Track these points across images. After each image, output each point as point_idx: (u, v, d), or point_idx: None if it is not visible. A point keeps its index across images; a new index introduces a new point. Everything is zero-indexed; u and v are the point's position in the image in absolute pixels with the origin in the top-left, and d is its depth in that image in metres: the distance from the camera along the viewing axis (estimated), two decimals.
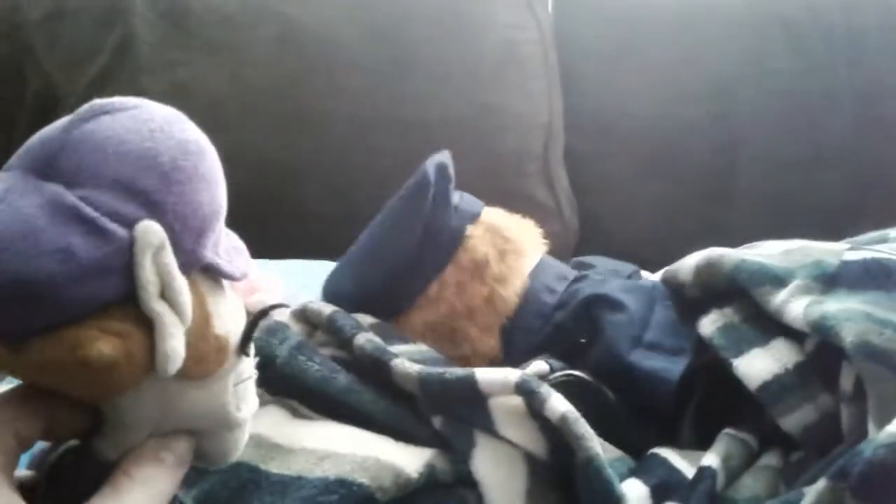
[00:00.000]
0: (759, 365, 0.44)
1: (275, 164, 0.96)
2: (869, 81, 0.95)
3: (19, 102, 1.01)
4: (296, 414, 0.44)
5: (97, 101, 0.28)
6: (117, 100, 0.29)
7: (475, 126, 0.96)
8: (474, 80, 0.96)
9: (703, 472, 0.42)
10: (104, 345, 0.26)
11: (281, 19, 0.97)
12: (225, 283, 0.30)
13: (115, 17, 0.97)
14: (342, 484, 0.38)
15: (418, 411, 0.44)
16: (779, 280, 0.46)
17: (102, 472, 0.28)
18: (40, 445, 0.35)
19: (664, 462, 0.44)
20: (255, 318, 0.31)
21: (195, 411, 0.29)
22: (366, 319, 0.51)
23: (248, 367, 0.31)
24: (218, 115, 0.96)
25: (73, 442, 0.31)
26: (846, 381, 0.41)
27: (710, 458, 0.43)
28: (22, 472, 0.32)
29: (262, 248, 0.77)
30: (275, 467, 0.40)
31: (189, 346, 0.27)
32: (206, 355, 0.28)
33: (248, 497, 0.39)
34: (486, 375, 0.42)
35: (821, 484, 0.35)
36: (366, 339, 0.46)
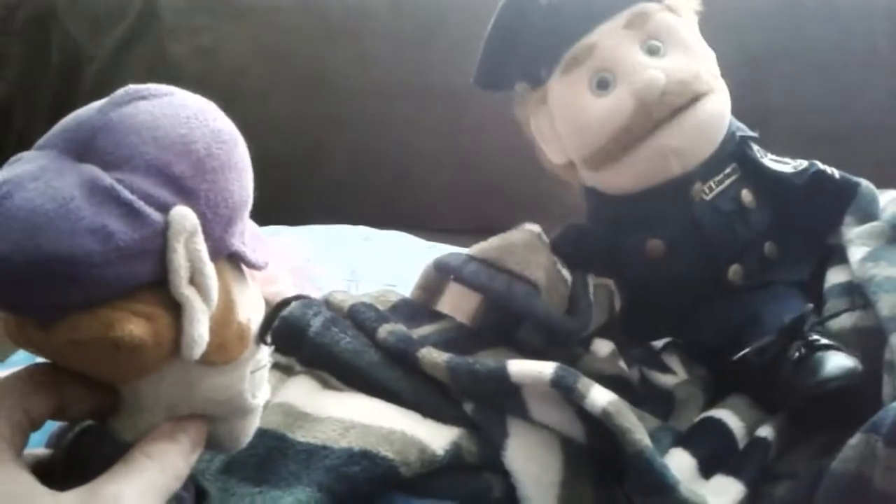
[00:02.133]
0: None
1: (299, 131, 0.96)
2: None
3: (44, 66, 1.01)
4: (326, 385, 0.44)
5: (132, 87, 0.29)
6: (153, 86, 0.29)
7: (502, 95, 0.94)
8: None
9: (756, 442, 0.42)
10: (135, 326, 0.26)
11: None
12: (246, 271, 0.31)
13: None
14: (366, 455, 0.38)
15: (448, 393, 0.43)
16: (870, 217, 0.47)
17: (118, 453, 0.28)
18: (58, 424, 0.35)
19: (719, 426, 0.43)
20: (277, 307, 0.31)
21: (213, 397, 0.30)
22: (389, 299, 0.50)
23: (265, 355, 0.32)
24: (241, 80, 0.95)
25: (89, 422, 0.31)
26: (889, 351, 0.40)
27: (766, 430, 0.43)
28: (39, 450, 0.32)
29: (285, 213, 0.77)
30: (301, 436, 0.40)
31: (213, 331, 0.27)
32: (228, 341, 0.29)
33: (273, 464, 0.38)
34: (518, 368, 0.41)
35: (854, 439, 0.36)
36: (388, 331, 0.45)
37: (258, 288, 0.32)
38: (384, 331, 0.45)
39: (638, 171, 0.47)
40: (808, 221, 0.49)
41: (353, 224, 0.75)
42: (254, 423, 0.33)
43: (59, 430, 0.36)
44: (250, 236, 0.30)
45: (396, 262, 0.66)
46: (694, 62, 0.47)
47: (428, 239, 0.74)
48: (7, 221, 0.25)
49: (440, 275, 0.50)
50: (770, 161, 0.49)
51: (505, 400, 0.41)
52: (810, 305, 0.44)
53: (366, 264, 0.65)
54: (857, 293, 0.44)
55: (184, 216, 0.26)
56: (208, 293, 0.27)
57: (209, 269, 0.27)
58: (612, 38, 0.46)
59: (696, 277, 0.48)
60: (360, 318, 0.46)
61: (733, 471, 0.41)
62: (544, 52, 0.48)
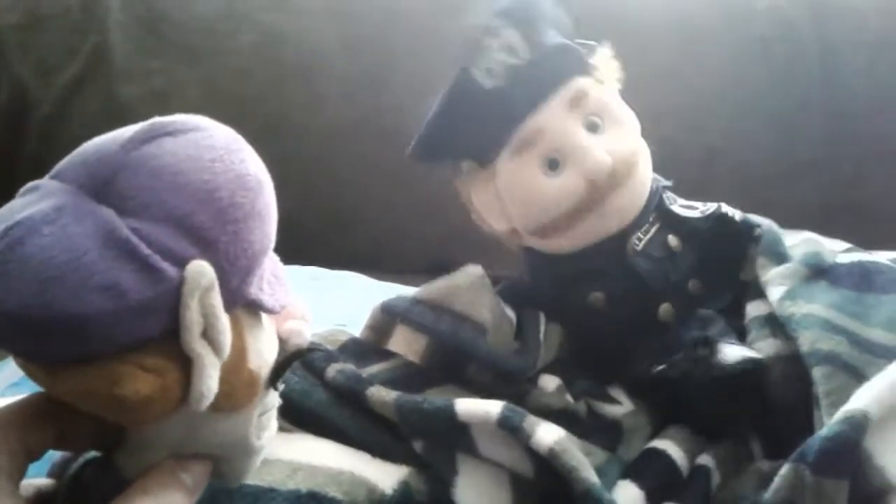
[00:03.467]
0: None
1: None
2: (840, 97, 0.96)
3: None
4: None
5: (158, 120, 0.27)
6: (179, 119, 0.28)
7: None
8: None
9: (699, 470, 0.44)
10: (141, 384, 0.25)
11: (259, 28, 0.97)
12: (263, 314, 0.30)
13: (89, 24, 0.96)
14: (314, 497, 0.38)
15: (397, 431, 0.43)
16: (781, 258, 0.51)
17: (119, 488, 0.28)
18: (61, 454, 0.35)
19: (662, 457, 0.45)
20: (290, 357, 0.31)
21: (218, 440, 0.29)
22: (338, 338, 0.51)
23: (273, 398, 0.31)
24: None
25: (93, 452, 0.30)
26: (815, 386, 0.42)
27: (706, 458, 0.44)
28: (40, 480, 0.31)
29: None
30: (248, 478, 0.39)
31: (222, 381, 0.27)
32: (237, 389, 0.28)
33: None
34: (465, 407, 0.41)
35: (784, 469, 0.37)
36: (336, 370, 0.45)
37: (273, 328, 0.31)
38: (333, 370, 0.45)
39: (581, 234, 0.50)
40: (721, 260, 0.53)
41: (305, 264, 0.74)
42: (257, 461, 0.32)
43: (61, 459, 0.35)
44: (270, 277, 0.30)
45: (347, 301, 0.66)
46: (628, 134, 0.50)
47: (380, 279, 0.74)
48: (18, 271, 0.24)
49: (387, 317, 0.50)
50: (679, 207, 0.53)
51: (454, 437, 0.42)
52: (710, 312, 0.48)
53: (316, 304, 0.64)
54: (778, 326, 0.47)
55: (200, 272, 0.25)
56: (221, 347, 0.26)
57: (222, 323, 0.26)
58: (558, 121, 0.49)
59: (632, 321, 0.51)
60: (308, 357, 0.46)
61: (679, 499, 0.42)
62: (492, 133, 0.50)
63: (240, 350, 0.28)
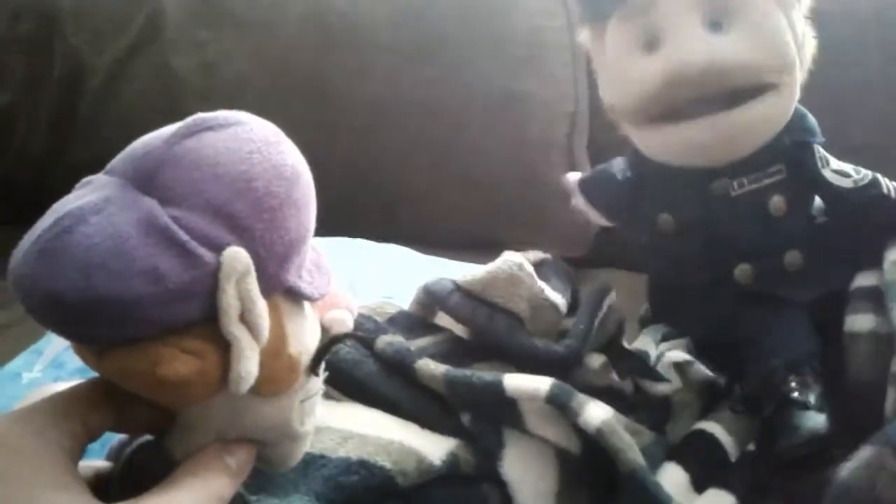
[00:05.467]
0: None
1: (299, 143, 0.95)
2: None
3: (46, 76, 1.02)
4: (324, 395, 0.44)
5: (201, 116, 0.29)
6: (221, 114, 0.29)
7: (499, 112, 0.95)
8: (500, 65, 0.95)
9: (747, 456, 0.43)
10: (181, 365, 0.26)
11: None
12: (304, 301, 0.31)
13: None
14: (364, 465, 0.38)
15: (445, 404, 0.43)
16: None
17: (169, 470, 0.29)
18: (119, 437, 0.37)
19: (710, 440, 0.44)
20: (328, 343, 0.31)
21: (261, 424, 0.30)
22: (386, 311, 0.51)
23: (316, 384, 0.32)
24: (243, 93, 0.96)
25: (148, 436, 0.32)
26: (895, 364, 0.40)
27: (755, 445, 0.44)
28: (100, 462, 0.33)
29: None
30: None
31: (262, 365, 0.28)
32: (278, 374, 0.29)
33: (270, 473, 0.39)
34: (514, 382, 0.42)
35: (865, 451, 0.36)
36: (386, 342, 0.46)
37: (316, 316, 0.32)
38: (382, 342, 0.46)
39: (659, 147, 0.46)
40: (853, 240, 0.47)
41: (351, 237, 0.75)
42: (303, 447, 0.33)
43: (118, 443, 0.37)
44: (310, 266, 0.30)
45: (394, 274, 0.66)
46: (754, 49, 0.43)
47: (425, 254, 0.74)
48: (65, 257, 0.25)
49: (431, 298, 0.51)
50: (830, 172, 0.47)
51: (501, 412, 0.42)
52: (777, 361, 0.44)
53: (364, 276, 0.65)
54: (880, 299, 0.43)
55: (235, 258, 0.26)
56: (259, 331, 0.27)
57: (260, 307, 0.27)
58: (675, 0, 0.44)
59: (699, 265, 0.48)
60: (358, 328, 0.47)
61: (725, 484, 0.42)
62: None
63: (279, 335, 0.29)
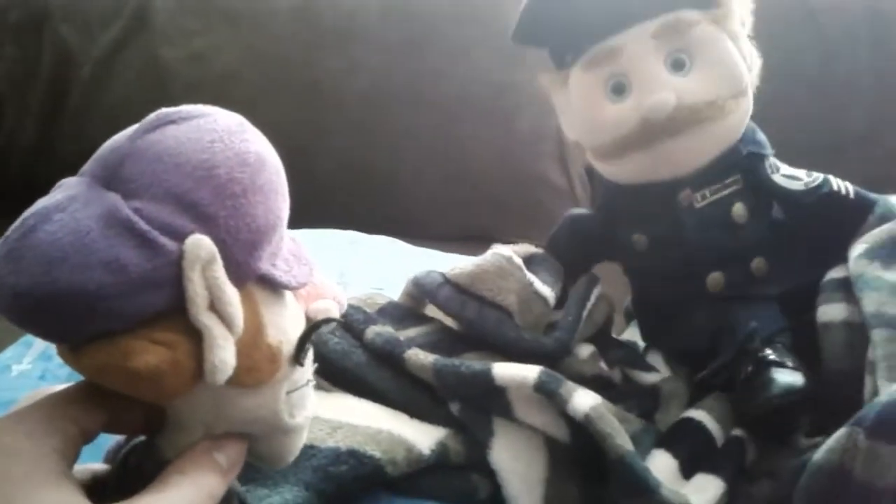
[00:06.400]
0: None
1: (289, 136, 0.95)
2: (891, 71, 0.94)
3: (36, 67, 1.01)
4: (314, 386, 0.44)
5: (164, 110, 0.29)
6: (185, 108, 0.29)
7: (491, 105, 0.95)
8: (491, 58, 0.95)
9: (733, 441, 0.43)
10: (152, 356, 0.26)
11: None
12: (286, 291, 0.31)
13: None
14: (353, 455, 0.39)
15: (434, 393, 0.44)
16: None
17: (158, 470, 0.29)
18: (115, 439, 0.36)
19: (697, 427, 0.44)
20: (308, 330, 0.31)
21: (247, 417, 0.30)
22: (376, 301, 0.51)
23: (303, 375, 0.32)
24: (232, 86, 0.96)
25: (142, 437, 0.31)
26: (871, 349, 0.41)
27: (741, 430, 0.44)
28: (97, 465, 0.33)
29: None
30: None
31: (240, 355, 0.28)
32: (258, 364, 0.29)
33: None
34: (503, 371, 0.42)
35: (838, 432, 0.36)
36: (375, 332, 0.46)
37: (301, 306, 0.32)
38: (372, 332, 0.46)
39: (630, 169, 0.48)
40: (814, 240, 0.49)
41: (342, 228, 0.75)
42: (297, 441, 0.32)
43: (115, 445, 0.37)
44: (287, 255, 0.30)
45: (384, 266, 0.66)
46: (717, 83, 0.46)
47: (415, 245, 0.74)
48: (29, 254, 0.25)
49: (420, 291, 0.51)
50: (781, 177, 0.49)
51: (490, 400, 0.42)
52: (754, 324, 0.45)
53: (354, 268, 0.65)
54: (850, 290, 0.45)
55: (198, 245, 0.26)
56: (231, 319, 0.27)
57: (229, 295, 0.27)
58: (638, 45, 0.46)
59: (674, 278, 0.49)
60: (348, 319, 0.47)
61: (713, 469, 0.42)
62: (572, 40, 0.49)
63: (256, 324, 0.29)
